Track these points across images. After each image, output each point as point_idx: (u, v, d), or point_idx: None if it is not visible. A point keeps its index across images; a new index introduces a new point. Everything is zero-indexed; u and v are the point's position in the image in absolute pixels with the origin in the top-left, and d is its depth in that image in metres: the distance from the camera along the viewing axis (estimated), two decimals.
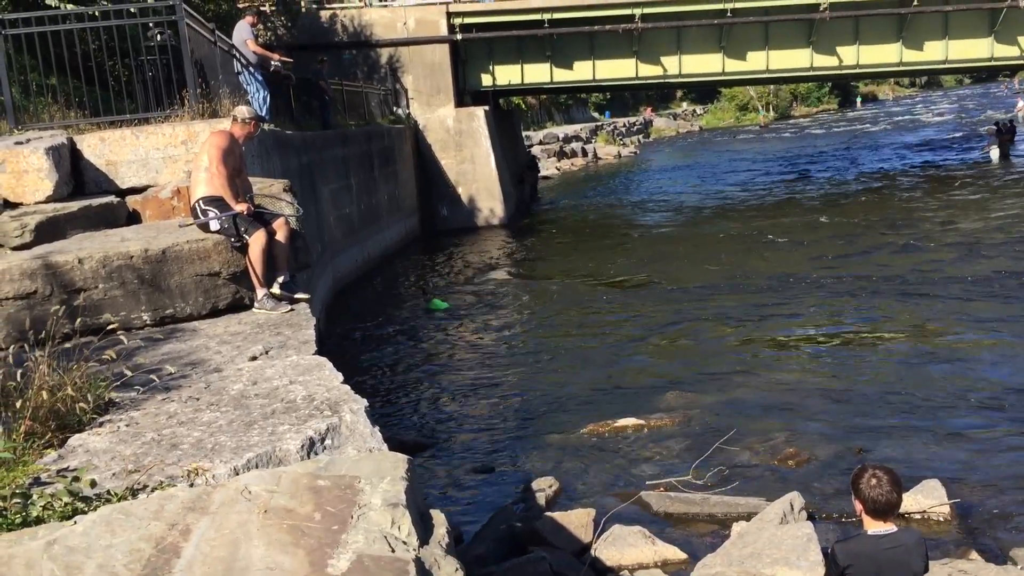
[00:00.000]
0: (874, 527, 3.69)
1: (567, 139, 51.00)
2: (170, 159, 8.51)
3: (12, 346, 4.69)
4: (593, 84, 30.83)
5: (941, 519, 6.90)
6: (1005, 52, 27.65)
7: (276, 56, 14.03)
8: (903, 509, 6.71)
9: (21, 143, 8.09)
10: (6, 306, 5.83)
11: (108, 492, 3.40)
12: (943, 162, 34.89)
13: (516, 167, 31.69)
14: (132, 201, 8.19)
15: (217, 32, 11.19)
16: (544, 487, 7.88)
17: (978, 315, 12.41)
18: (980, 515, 6.98)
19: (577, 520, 6.99)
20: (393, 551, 2.82)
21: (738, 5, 26.52)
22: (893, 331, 12.04)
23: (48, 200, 7.88)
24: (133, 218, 8.11)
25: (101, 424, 4.31)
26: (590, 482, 8.16)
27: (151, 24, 9.99)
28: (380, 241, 21.81)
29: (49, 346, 4.42)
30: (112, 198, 8.12)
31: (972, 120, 53.87)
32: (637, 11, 26.39)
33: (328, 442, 3.99)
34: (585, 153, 50.69)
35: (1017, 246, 16.87)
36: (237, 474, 3.59)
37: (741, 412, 9.56)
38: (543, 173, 39.54)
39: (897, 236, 18.88)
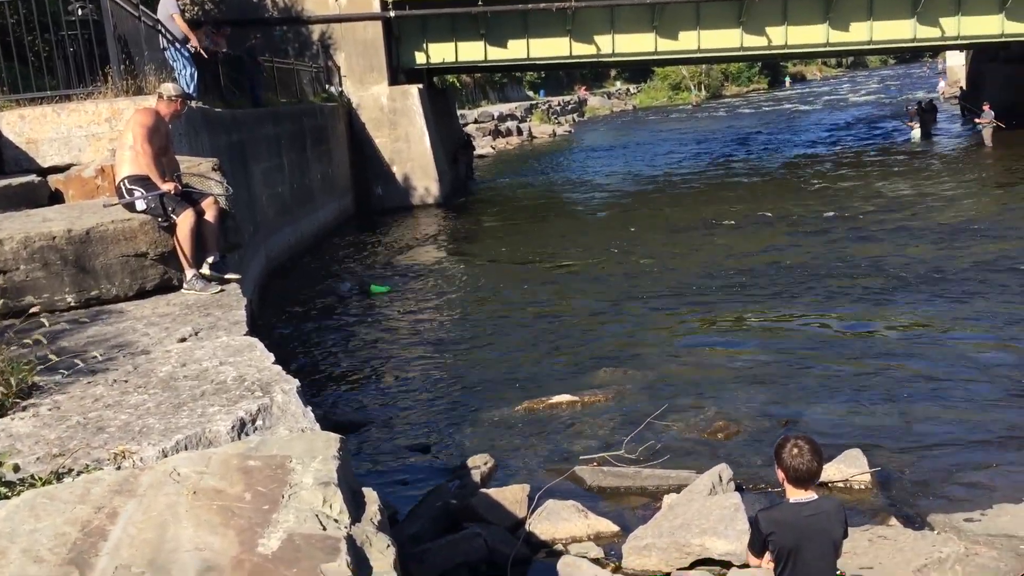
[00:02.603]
0: (795, 495, 3.82)
1: (502, 118, 50.89)
2: (93, 137, 8.32)
3: None
4: (527, 63, 30.83)
5: (863, 487, 7.13)
6: (927, 33, 28.39)
7: (194, 41, 13.64)
8: (826, 477, 6.94)
9: None
10: None
11: (32, 477, 3.35)
12: (867, 142, 35.73)
13: (451, 146, 31.55)
14: (54, 180, 8.00)
15: (142, 7, 10.91)
16: (479, 464, 7.94)
17: (897, 293, 12.80)
18: (900, 483, 7.23)
19: (512, 496, 7.05)
20: (324, 529, 2.83)
21: None
22: (816, 311, 12.32)
23: None
24: (56, 198, 7.92)
25: (24, 408, 4.23)
26: (525, 458, 8.24)
27: None
28: (314, 221, 21.57)
29: None
30: (33, 177, 7.93)
31: (895, 100, 55.20)
32: None
33: (259, 423, 3.97)
34: (520, 132, 50.65)
35: (934, 227, 17.42)
36: (166, 456, 3.56)
37: (672, 388, 9.73)
38: (478, 152, 39.44)
39: (820, 218, 19.20)
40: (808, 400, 9.15)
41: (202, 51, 14.07)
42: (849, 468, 7.23)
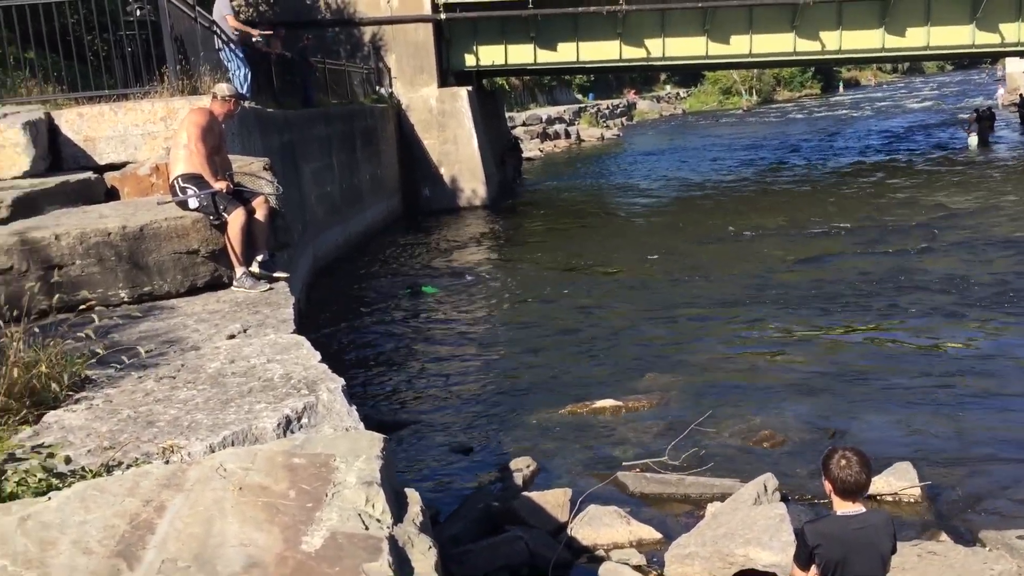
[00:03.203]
0: (843, 508, 3.75)
1: (550, 121, 50.90)
2: (149, 136, 8.46)
3: None
4: (577, 66, 30.79)
5: (912, 501, 6.99)
6: (986, 39, 27.77)
7: (256, 32, 13.92)
8: (875, 490, 6.82)
9: None
10: None
11: (83, 469, 3.41)
12: (923, 150, 35.08)
13: (499, 148, 31.62)
14: (110, 177, 8.15)
15: (198, 8, 11.09)
16: (522, 467, 7.93)
17: (951, 307, 12.48)
18: (950, 497, 7.08)
19: (554, 500, 7.04)
20: (367, 529, 2.84)
21: None
22: (868, 322, 12.07)
23: (25, 176, 7.83)
24: (111, 195, 8.07)
25: (77, 401, 4.31)
26: (567, 462, 8.21)
27: None
28: (362, 221, 21.75)
29: (24, 322, 4.40)
30: (90, 174, 8.08)
31: (953, 107, 54.17)
32: None
33: (305, 421, 4.00)
34: (568, 135, 50.60)
35: (995, 240, 17.02)
36: (213, 452, 3.60)
37: (718, 395, 9.63)
38: (526, 154, 39.47)
39: (874, 229, 18.71)
40: (858, 411, 8.99)
41: (266, 32, 14.32)
42: (899, 481, 7.09)
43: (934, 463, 7.59)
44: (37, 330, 4.63)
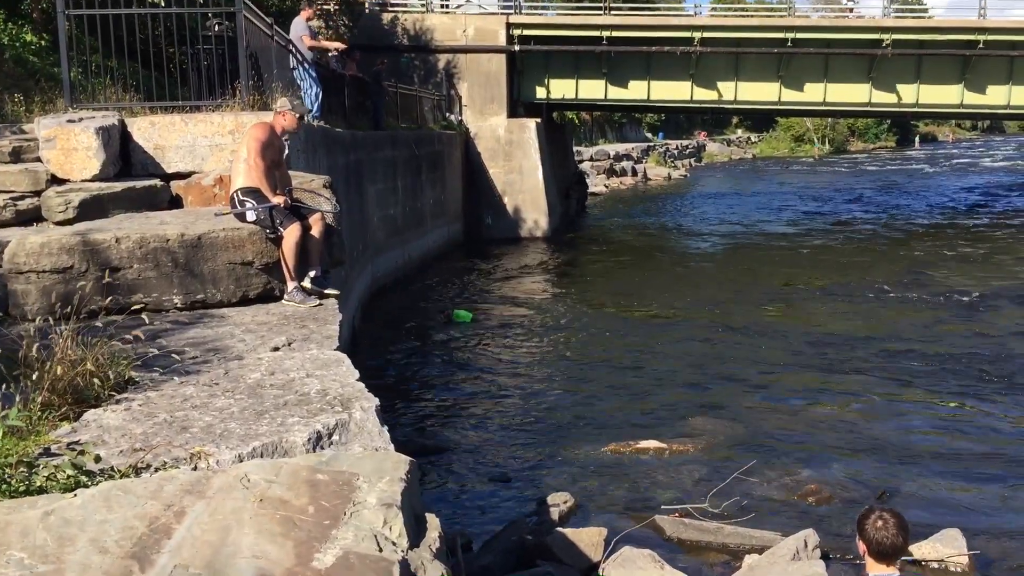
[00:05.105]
0: (877, 570, 3.61)
1: (618, 157, 50.91)
2: (216, 147, 8.63)
3: (38, 318, 4.77)
4: (647, 104, 30.79)
5: (959, 570, 6.74)
6: None
7: (332, 46, 14.30)
8: (921, 556, 6.62)
9: (73, 121, 8.27)
10: (42, 278, 5.95)
11: (112, 468, 3.44)
12: (998, 210, 34.19)
13: (564, 181, 31.68)
14: (176, 186, 8.33)
15: (275, 27, 11.33)
16: (559, 502, 7.84)
17: (1017, 379, 12.02)
18: (999, 568, 6.81)
19: (588, 538, 6.94)
20: (381, 550, 2.81)
21: (799, 36, 26.33)
22: (927, 388, 11.64)
23: (94, 179, 8.05)
24: (175, 202, 8.24)
25: (118, 402, 4.37)
26: (605, 501, 8.10)
27: (210, 14, 10.16)
28: (422, 245, 21.92)
29: (75, 321, 4.49)
30: (157, 181, 8.28)
31: None
32: (696, 34, 26.32)
33: (335, 438, 4.00)
34: (635, 172, 50.56)
35: None
36: (241, 461, 3.61)
37: (765, 444, 9.43)
38: (592, 189, 39.50)
39: (940, 294, 17.91)
40: (910, 475, 8.70)
41: (335, 52, 14.74)
42: (946, 548, 6.84)
43: (984, 532, 7.31)
44: (93, 328, 4.71)
